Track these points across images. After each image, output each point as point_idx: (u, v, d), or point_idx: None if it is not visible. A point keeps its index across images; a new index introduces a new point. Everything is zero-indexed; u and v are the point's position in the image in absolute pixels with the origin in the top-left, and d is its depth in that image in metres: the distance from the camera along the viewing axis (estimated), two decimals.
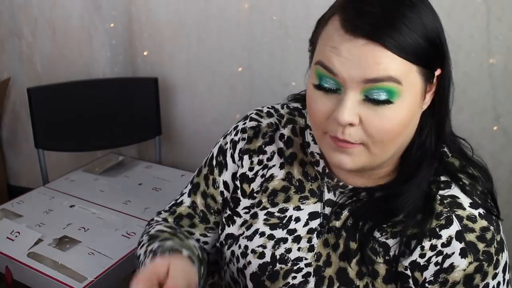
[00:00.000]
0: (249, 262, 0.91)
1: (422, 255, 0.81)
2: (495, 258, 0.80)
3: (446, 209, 0.81)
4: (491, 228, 0.80)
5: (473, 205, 0.82)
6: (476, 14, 1.56)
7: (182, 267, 0.84)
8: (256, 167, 0.96)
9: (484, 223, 0.81)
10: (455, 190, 0.83)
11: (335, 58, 0.75)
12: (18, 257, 1.23)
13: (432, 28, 0.76)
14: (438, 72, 0.79)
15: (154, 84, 1.92)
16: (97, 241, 1.29)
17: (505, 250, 0.82)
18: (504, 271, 0.82)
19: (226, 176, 0.99)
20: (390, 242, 0.83)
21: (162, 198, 1.53)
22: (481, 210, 0.82)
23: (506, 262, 0.82)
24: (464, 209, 0.81)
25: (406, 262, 0.82)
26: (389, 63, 0.73)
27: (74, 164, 1.83)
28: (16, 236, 1.29)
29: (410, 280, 0.82)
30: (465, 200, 0.82)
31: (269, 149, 0.96)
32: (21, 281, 1.23)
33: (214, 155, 1.01)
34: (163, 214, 1.05)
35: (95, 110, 1.90)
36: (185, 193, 1.04)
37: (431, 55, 0.76)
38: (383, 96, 0.74)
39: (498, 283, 0.81)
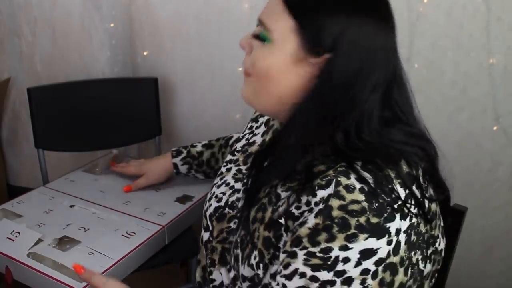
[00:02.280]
0: (210, 205, 1.09)
1: (297, 207, 0.84)
2: (353, 231, 0.77)
3: (334, 174, 0.81)
4: (364, 204, 0.78)
5: (360, 180, 0.81)
6: (476, 14, 1.57)
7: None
8: (246, 131, 1.20)
9: (359, 197, 0.79)
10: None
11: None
12: (18, 257, 1.22)
13: (332, 17, 0.83)
14: (327, 55, 0.84)
15: (154, 84, 1.92)
16: (97, 241, 1.29)
17: (383, 237, 0.78)
18: (364, 256, 0.77)
19: None
20: (283, 194, 0.89)
21: (162, 198, 1.52)
22: (366, 187, 0.80)
23: (373, 249, 0.78)
24: (348, 178, 0.81)
25: (281, 210, 0.87)
26: (272, 11, 0.88)
27: (74, 164, 1.83)
28: (16, 236, 1.29)
29: (282, 228, 0.86)
30: (354, 173, 0.81)
31: (262, 120, 1.18)
32: (21, 281, 1.23)
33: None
34: None
35: (95, 110, 1.90)
36: None
37: (315, 31, 0.84)
38: (261, 36, 0.89)
39: (346, 259, 0.77)
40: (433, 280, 0.94)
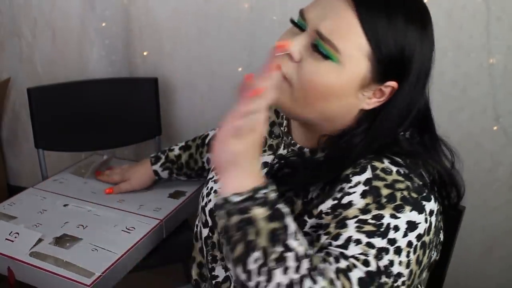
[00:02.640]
0: (210, 200, 1.06)
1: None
2: (399, 202, 0.79)
3: (365, 161, 0.83)
4: (407, 183, 0.81)
5: (394, 163, 0.83)
6: (476, 14, 1.57)
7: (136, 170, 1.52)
8: None
9: (399, 178, 0.81)
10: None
11: (315, 2, 0.84)
12: (21, 257, 1.20)
13: (410, 48, 0.80)
14: (392, 83, 0.82)
15: (154, 84, 1.92)
16: (98, 237, 1.29)
17: (422, 213, 0.80)
18: (410, 227, 0.79)
19: None
20: (311, 187, 0.89)
21: (155, 195, 1.53)
22: (401, 169, 0.83)
23: (416, 222, 0.79)
24: (382, 162, 0.83)
25: (316, 203, 0.86)
26: (345, 30, 0.79)
27: (71, 164, 1.83)
28: (15, 237, 1.28)
29: (306, 215, 0.87)
30: (387, 159, 0.84)
31: None
32: (25, 281, 1.22)
33: None
34: None
35: (96, 110, 1.90)
36: None
37: (392, 59, 0.80)
38: (325, 52, 0.80)
39: (396, 227, 0.78)
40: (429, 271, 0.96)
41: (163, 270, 1.60)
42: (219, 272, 1.05)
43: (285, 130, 1.03)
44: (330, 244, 0.79)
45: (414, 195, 0.80)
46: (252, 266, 0.74)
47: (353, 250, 0.77)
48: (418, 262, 0.80)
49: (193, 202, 1.53)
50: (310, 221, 0.86)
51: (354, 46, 0.79)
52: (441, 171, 0.87)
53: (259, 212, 0.74)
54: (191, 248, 1.52)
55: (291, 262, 0.74)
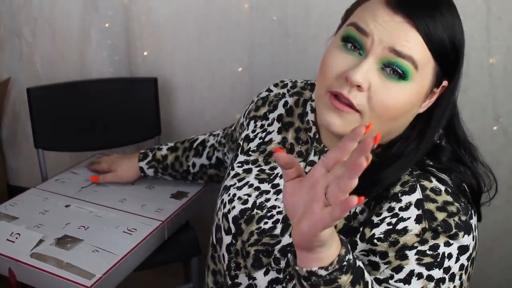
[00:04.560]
0: (233, 207, 1.03)
1: (377, 214, 0.84)
2: (454, 230, 0.80)
3: (413, 179, 0.84)
4: (456, 204, 0.82)
5: (441, 182, 0.84)
6: (476, 14, 1.57)
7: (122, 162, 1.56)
8: (258, 130, 1.12)
9: (448, 198, 0.82)
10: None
11: (371, 21, 0.80)
12: (22, 258, 1.21)
13: (459, 38, 0.82)
14: (445, 83, 0.84)
15: (154, 84, 1.92)
16: (99, 238, 1.29)
17: (470, 233, 0.82)
18: (461, 252, 0.81)
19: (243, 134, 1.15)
20: None
21: (157, 195, 1.53)
22: (448, 188, 0.84)
23: (467, 245, 0.82)
24: (430, 181, 0.84)
25: (361, 218, 0.86)
26: (416, 46, 0.78)
27: (74, 164, 1.83)
28: (16, 238, 1.28)
29: (358, 235, 0.86)
30: (433, 177, 0.85)
31: (271, 116, 1.11)
32: (26, 283, 1.22)
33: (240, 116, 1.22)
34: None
35: (95, 110, 1.90)
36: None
37: (448, 59, 0.82)
38: (399, 71, 0.79)
39: (450, 255, 0.80)
40: None
41: (163, 269, 1.60)
42: (243, 280, 1.02)
43: (317, 136, 1.00)
44: (391, 277, 0.81)
45: (463, 218, 0.82)
46: None
47: (415, 285, 0.80)
48: (469, 278, 0.84)
49: (195, 203, 1.54)
50: (361, 245, 0.86)
51: (421, 56, 0.80)
52: (475, 177, 0.90)
53: (344, 279, 0.72)
54: (192, 248, 1.53)
55: None
